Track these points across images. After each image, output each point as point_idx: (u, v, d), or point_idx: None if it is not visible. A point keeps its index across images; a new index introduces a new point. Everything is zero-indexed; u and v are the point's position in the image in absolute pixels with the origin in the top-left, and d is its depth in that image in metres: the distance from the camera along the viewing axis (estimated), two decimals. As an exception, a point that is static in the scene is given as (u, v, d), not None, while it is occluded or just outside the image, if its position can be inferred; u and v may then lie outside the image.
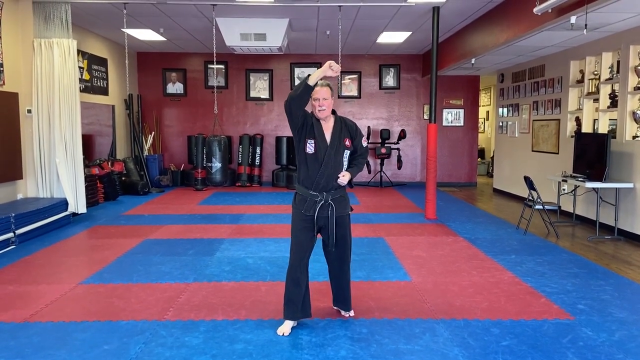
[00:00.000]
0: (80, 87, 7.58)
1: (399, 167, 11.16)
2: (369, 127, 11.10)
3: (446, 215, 7.54)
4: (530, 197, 6.40)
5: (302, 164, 3.31)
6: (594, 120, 7.16)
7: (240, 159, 10.96)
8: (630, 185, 6.01)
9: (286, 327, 3.29)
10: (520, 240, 5.94)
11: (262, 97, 11.29)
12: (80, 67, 8.29)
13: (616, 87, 6.48)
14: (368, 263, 4.90)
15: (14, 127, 6.44)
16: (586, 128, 7.23)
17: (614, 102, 6.51)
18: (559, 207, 6.93)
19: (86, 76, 8.67)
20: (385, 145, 10.92)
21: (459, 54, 8.61)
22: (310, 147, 3.25)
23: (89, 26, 8.51)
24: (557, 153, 7.93)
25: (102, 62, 9.34)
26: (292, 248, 3.35)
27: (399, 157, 11.09)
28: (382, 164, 11.08)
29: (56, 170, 6.73)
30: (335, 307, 3.63)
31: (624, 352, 3.03)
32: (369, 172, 11.15)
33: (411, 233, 6.28)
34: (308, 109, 3.26)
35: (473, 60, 8.36)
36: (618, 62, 6.39)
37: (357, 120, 11.30)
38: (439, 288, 4.19)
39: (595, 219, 6.40)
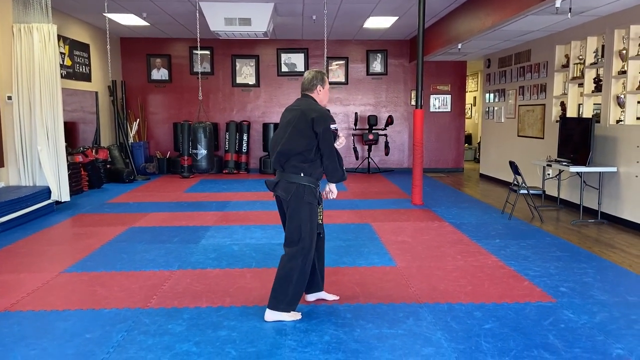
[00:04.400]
0: (61, 73, 7.44)
1: (387, 154, 11.17)
2: (356, 113, 11.06)
3: (432, 200, 7.57)
4: (515, 182, 6.44)
5: (318, 159, 3.28)
6: (579, 104, 7.20)
7: (227, 146, 10.88)
8: (613, 169, 6.06)
9: (298, 315, 3.32)
10: (505, 225, 5.98)
11: (248, 83, 11.19)
12: (61, 53, 8.14)
13: (601, 71, 6.50)
14: (354, 249, 4.91)
15: (-7, 114, 6.32)
16: (571, 113, 7.27)
17: (598, 87, 6.53)
18: (544, 191, 6.98)
19: (68, 62, 8.52)
20: (373, 131, 10.90)
21: (446, 39, 8.58)
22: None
23: (70, 11, 8.34)
24: (542, 138, 7.97)
25: (84, 47, 9.17)
26: (311, 244, 3.26)
27: (387, 143, 11.09)
28: (369, 150, 11.07)
29: (38, 158, 6.63)
30: (319, 297, 3.61)
31: (604, 334, 3.07)
32: (357, 158, 11.14)
33: (397, 219, 6.30)
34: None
35: (459, 45, 8.33)
36: (603, 46, 6.41)
37: (345, 107, 11.30)
38: (424, 273, 4.21)
39: (579, 203, 6.46)
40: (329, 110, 3.32)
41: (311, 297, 3.56)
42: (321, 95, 3.39)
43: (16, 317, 3.32)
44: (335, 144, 3.27)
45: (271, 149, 3.40)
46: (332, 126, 3.24)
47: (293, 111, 3.34)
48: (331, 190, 3.44)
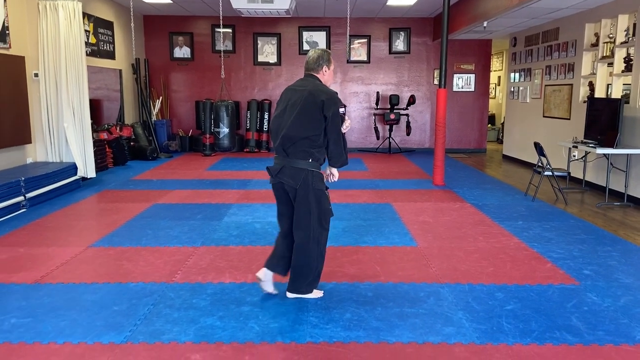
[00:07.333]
0: (86, 51, 7.51)
1: (408, 133, 11.07)
2: (377, 92, 10.96)
3: (454, 181, 7.51)
4: (539, 163, 6.34)
5: (324, 143, 3.18)
6: (608, 85, 7.01)
7: (248, 125, 10.91)
8: (642, 151, 5.92)
9: (320, 292, 3.34)
10: (528, 207, 5.92)
11: (270, 61, 11.15)
12: (86, 31, 8.21)
13: (631, 50, 6.31)
14: (375, 229, 4.92)
15: (21, 91, 6.43)
16: (599, 93, 7.09)
17: (628, 67, 6.35)
18: (569, 173, 6.86)
19: (92, 40, 8.58)
20: (394, 111, 10.80)
21: (471, 17, 8.40)
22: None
23: (94, -12, 8.37)
24: (569, 119, 7.80)
25: (108, 25, 9.23)
26: (322, 228, 3.22)
27: (408, 123, 10.98)
28: (390, 130, 10.99)
29: (64, 135, 6.75)
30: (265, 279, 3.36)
31: (628, 317, 3.04)
32: (378, 138, 11.07)
33: (418, 199, 6.27)
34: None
35: (485, 24, 8.15)
36: (634, 24, 6.20)
37: (366, 86, 11.21)
38: (445, 253, 4.21)
39: (605, 185, 6.34)
40: (336, 93, 3.21)
41: (261, 274, 3.33)
42: (327, 76, 3.25)
43: (46, 289, 3.43)
44: (341, 128, 3.18)
45: (273, 132, 3.21)
46: (340, 109, 3.14)
47: (298, 92, 3.14)
48: (332, 173, 3.34)
